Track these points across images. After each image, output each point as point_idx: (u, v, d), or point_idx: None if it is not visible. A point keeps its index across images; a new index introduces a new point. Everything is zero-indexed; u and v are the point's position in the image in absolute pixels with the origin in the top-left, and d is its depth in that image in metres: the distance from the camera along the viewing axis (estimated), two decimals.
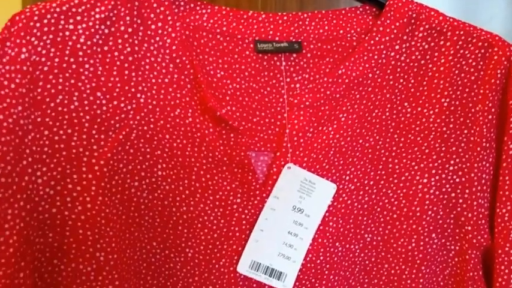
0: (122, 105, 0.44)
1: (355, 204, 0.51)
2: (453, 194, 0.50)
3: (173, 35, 0.46)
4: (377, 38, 0.49)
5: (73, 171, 0.42)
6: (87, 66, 0.43)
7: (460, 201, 0.50)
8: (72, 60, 0.42)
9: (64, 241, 0.42)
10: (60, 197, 0.41)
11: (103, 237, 0.42)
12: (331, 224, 0.50)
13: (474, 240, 0.49)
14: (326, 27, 0.51)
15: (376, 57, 0.49)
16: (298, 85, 0.51)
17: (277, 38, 0.50)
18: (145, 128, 0.46)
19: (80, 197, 0.42)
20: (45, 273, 0.41)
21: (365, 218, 0.51)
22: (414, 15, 0.49)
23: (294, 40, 0.50)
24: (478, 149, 0.49)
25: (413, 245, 0.50)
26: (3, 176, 0.38)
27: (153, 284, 0.47)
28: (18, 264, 0.39)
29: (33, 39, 0.41)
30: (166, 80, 0.46)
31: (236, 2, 0.55)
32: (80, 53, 0.43)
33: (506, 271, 0.48)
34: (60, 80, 0.42)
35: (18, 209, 0.39)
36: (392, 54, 0.50)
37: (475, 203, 0.49)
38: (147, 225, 0.46)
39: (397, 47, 0.50)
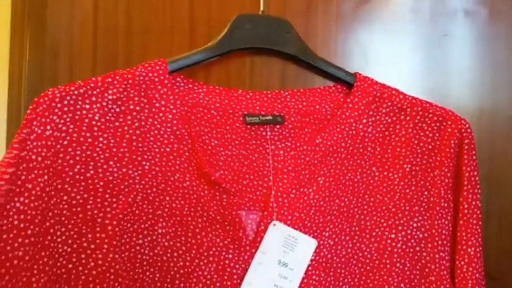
0: (130, 172, 0.51)
1: (334, 258, 0.57)
2: (418, 248, 0.57)
3: (174, 111, 0.54)
4: (347, 113, 0.58)
5: (88, 231, 0.48)
6: (101, 139, 0.50)
7: (424, 254, 0.57)
8: (88, 134, 0.49)
9: None
10: (76, 254, 0.47)
11: None
12: (313, 277, 0.56)
13: None
14: (304, 103, 0.60)
15: (347, 129, 0.58)
16: (282, 152, 0.59)
17: (263, 112, 0.58)
18: (149, 191, 0.52)
19: (93, 254, 0.47)
20: None
21: (343, 271, 0.57)
22: (378, 94, 0.59)
23: (277, 114, 0.59)
24: (438, 208, 0.57)
25: None
26: (32, 236, 0.43)
27: None
28: None
29: (55, 117, 0.48)
30: (168, 149, 0.54)
31: (227, 78, 0.64)
32: (95, 129, 0.50)
33: None
34: (78, 152, 0.48)
35: (42, 265, 0.44)
36: (361, 126, 0.58)
37: (437, 256, 0.56)
38: (148, 280, 0.51)
39: (364, 121, 0.58)
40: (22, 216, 0.43)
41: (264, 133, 0.59)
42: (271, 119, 0.58)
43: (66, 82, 0.60)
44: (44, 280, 0.44)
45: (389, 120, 0.59)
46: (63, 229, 0.47)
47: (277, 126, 0.59)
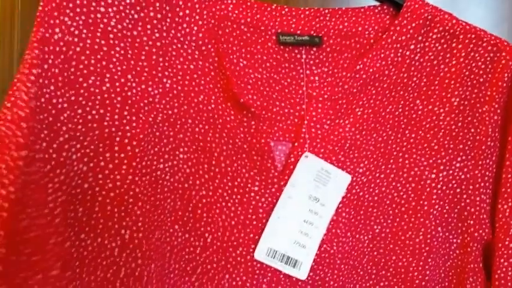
0: (150, 89, 0.45)
1: (367, 196, 0.52)
2: (458, 190, 0.52)
3: (200, 22, 0.47)
4: (394, 37, 0.51)
5: (106, 150, 0.42)
6: (117, 49, 0.43)
7: (464, 196, 0.52)
8: (103, 42, 0.42)
9: (92, 216, 0.42)
10: (93, 173, 0.42)
11: (129, 215, 0.42)
12: (343, 214, 0.52)
13: (476, 234, 0.52)
14: (346, 24, 0.53)
15: (392, 55, 0.51)
16: (317, 78, 0.52)
17: (298, 32, 0.51)
18: (169, 112, 0.46)
19: (111, 174, 0.42)
20: (73, 247, 0.42)
21: (375, 210, 0.53)
22: (429, 17, 0.52)
23: (314, 34, 0.52)
24: (483, 147, 0.52)
25: (421, 237, 0.52)
26: (41, 152, 0.38)
27: (175, 268, 0.47)
28: (65, 234, 0.39)
29: (66, 19, 0.41)
30: (192, 66, 0.47)
31: None
32: (111, 36, 0.43)
33: (506, 264, 0.50)
34: (92, 61, 0.42)
35: (58, 183, 0.39)
36: (408, 53, 0.52)
37: (478, 198, 0.52)
38: (169, 208, 0.47)
39: (412, 47, 0.52)
40: (24, 125, 0.37)
41: (298, 55, 0.52)
42: (308, 39, 0.51)
43: None
44: (61, 199, 0.39)
45: (439, 48, 0.52)
46: (78, 146, 0.41)
47: (314, 49, 0.52)
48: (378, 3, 0.54)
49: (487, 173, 0.52)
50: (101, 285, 0.44)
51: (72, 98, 0.41)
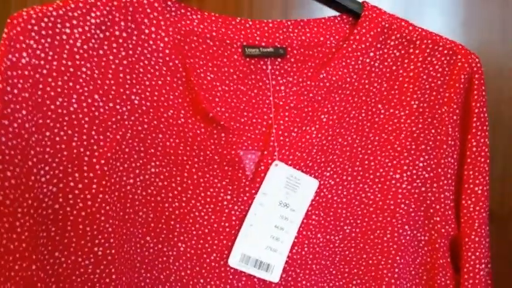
0: (118, 107, 0.46)
1: (335, 198, 0.54)
2: (423, 188, 0.55)
3: (166, 39, 0.48)
4: (354, 46, 0.53)
5: (74, 170, 0.43)
6: (84, 69, 0.44)
7: (429, 194, 0.55)
8: (69, 63, 0.43)
9: (65, 235, 0.43)
10: (63, 194, 0.43)
11: (101, 233, 0.43)
12: (313, 217, 0.53)
13: (443, 230, 0.54)
14: (308, 34, 0.55)
15: (353, 63, 0.53)
16: (283, 87, 0.54)
17: (263, 44, 0.53)
18: (139, 128, 0.48)
19: (82, 194, 0.43)
20: (47, 265, 0.43)
21: (344, 211, 0.55)
22: (387, 25, 0.54)
23: (279, 45, 0.54)
24: (444, 146, 0.54)
25: (388, 236, 0.54)
26: (13, 178, 0.39)
27: (147, 277, 0.49)
28: (31, 258, 0.40)
29: (32, 42, 0.42)
30: (160, 82, 0.48)
31: (223, 5, 0.57)
32: (77, 57, 0.44)
33: (473, 257, 0.53)
34: (59, 83, 0.43)
35: (27, 207, 0.40)
36: (368, 60, 0.54)
37: (442, 195, 0.54)
38: (141, 220, 0.48)
39: (371, 54, 0.54)
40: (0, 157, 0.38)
41: (264, 66, 0.54)
42: (273, 51, 0.53)
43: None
44: (29, 223, 0.40)
45: (397, 54, 0.54)
46: (47, 168, 0.42)
47: (279, 59, 0.54)
48: (337, 14, 0.56)
49: (450, 171, 0.55)
50: None
51: (40, 121, 0.42)
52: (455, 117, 0.54)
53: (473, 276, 0.53)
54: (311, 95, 0.53)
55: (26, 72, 0.41)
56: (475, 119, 0.53)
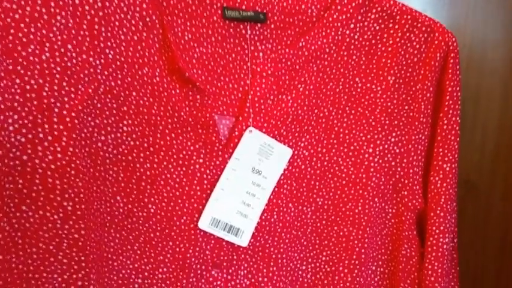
0: (91, 59, 0.45)
1: (309, 169, 0.55)
2: (393, 163, 0.56)
3: None
4: (334, 16, 0.53)
5: (44, 121, 0.41)
6: (58, 17, 0.42)
7: (399, 169, 0.56)
8: (44, 10, 0.42)
9: (33, 188, 0.41)
10: (31, 145, 0.41)
11: (71, 187, 0.42)
12: (285, 186, 0.54)
13: (410, 204, 0.55)
14: (290, 1, 0.54)
15: (333, 33, 0.53)
16: (261, 54, 0.54)
17: (244, 7, 0.52)
18: (112, 83, 0.46)
19: (51, 146, 0.42)
20: (13, 219, 0.41)
21: (317, 183, 0.55)
22: None
23: (259, 10, 0.53)
24: (416, 123, 0.55)
25: (360, 208, 0.55)
26: None
27: (116, 237, 0.48)
28: None
29: None
30: (136, 38, 0.47)
31: None
32: (52, 4, 0.42)
33: (437, 231, 0.54)
34: (32, 30, 0.41)
35: None
36: (347, 32, 0.54)
37: (411, 171, 0.56)
38: (111, 179, 0.47)
39: (351, 26, 0.54)
40: None
41: (243, 31, 0.53)
42: (253, 15, 0.52)
43: None
44: None
45: (377, 28, 0.55)
46: (15, 116, 0.40)
47: (259, 25, 0.53)
48: None
49: (420, 147, 0.56)
50: (43, 257, 0.44)
51: (10, 67, 0.40)
52: (428, 95, 0.55)
53: (437, 250, 0.55)
54: (289, 63, 0.53)
55: None
56: (447, 97, 0.54)
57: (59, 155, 0.42)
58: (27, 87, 0.41)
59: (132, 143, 0.48)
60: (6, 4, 0.40)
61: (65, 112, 0.42)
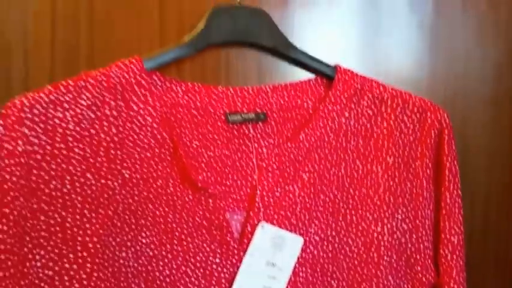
0: (109, 182, 0.48)
1: (321, 253, 0.57)
2: (403, 240, 0.58)
3: (154, 113, 0.51)
4: (329, 107, 0.57)
5: (69, 251, 0.45)
6: (76, 150, 0.46)
7: (409, 245, 0.58)
8: (62, 146, 0.46)
9: None
10: (59, 276, 0.44)
11: None
12: (300, 274, 0.56)
13: (423, 279, 0.57)
14: (286, 98, 0.58)
15: (330, 123, 0.57)
16: (265, 150, 0.57)
17: (245, 110, 0.56)
18: (130, 200, 0.50)
19: (77, 275, 0.45)
20: None
21: (330, 266, 0.57)
22: (359, 86, 0.58)
23: (259, 111, 0.57)
24: (420, 199, 0.58)
25: (374, 287, 0.56)
26: (12, 267, 0.40)
27: None
28: None
29: (26, 130, 0.44)
30: (149, 155, 0.51)
31: (201, 72, 0.61)
32: (70, 139, 0.46)
33: None
34: (53, 166, 0.45)
35: None
36: (343, 120, 0.57)
37: (421, 246, 0.57)
38: None
39: (346, 114, 0.57)
40: (2, 247, 0.40)
41: (246, 131, 0.57)
42: (254, 116, 0.56)
43: (21, 81, 0.56)
44: None
45: (370, 113, 0.58)
46: (42, 252, 0.44)
47: (260, 124, 0.57)
48: (312, 77, 0.60)
49: (427, 222, 0.58)
50: None
51: (35, 206, 0.43)
52: (428, 171, 0.58)
53: None
54: (292, 155, 0.56)
55: (22, 160, 0.43)
56: (446, 172, 0.57)
57: (85, 282, 0.45)
58: (51, 221, 0.44)
59: (151, 253, 0.51)
60: (28, 147, 0.44)
61: (87, 239, 0.46)
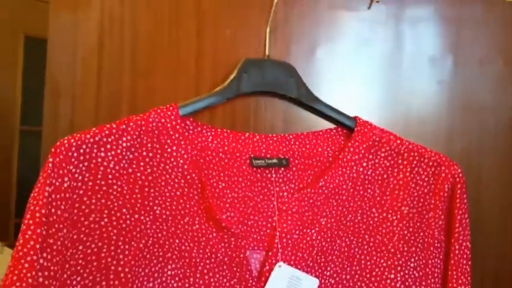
0: (142, 217, 0.53)
1: None
2: (414, 287, 0.60)
3: (185, 156, 0.56)
4: (349, 157, 0.61)
5: (102, 279, 0.49)
6: (115, 187, 0.51)
7: None
8: (103, 183, 0.51)
9: None
10: None
11: None
12: None
13: None
14: (308, 146, 0.62)
15: (348, 172, 0.61)
16: (286, 194, 0.61)
17: (268, 155, 0.61)
18: (159, 235, 0.54)
19: None
20: None
21: None
22: (377, 138, 0.62)
23: (282, 157, 0.61)
24: (431, 248, 0.60)
25: None
26: None
27: None
28: None
29: (71, 167, 0.49)
30: (178, 193, 0.55)
31: (232, 119, 0.66)
32: (110, 176, 0.51)
33: None
34: (93, 201, 0.50)
35: None
36: (361, 169, 0.61)
37: None
38: None
39: (364, 164, 0.61)
40: (46, 273, 0.44)
41: (269, 175, 0.61)
42: (277, 162, 0.61)
43: (68, 122, 0.62)
44: None
45: (387, 164, 0.62)
46: (78, 278, 0.48)
47: (282, 169, 0.61)
48: (333, 126, 0.64)
49: (436, 270, 0.60)
50: None
51: (75, 237, 0.48)
52: (440, 222, 0.60)
53: None
54: (311, 201, 0.60)
55: (67, 195, 0.48)
56: (457, 225, 0.60)
57: None
58: (88, 251, 0.49)
59: (175, 285, 0.54)
60: (73, 183, 0.49)
61: (120, 269, 0.50)
